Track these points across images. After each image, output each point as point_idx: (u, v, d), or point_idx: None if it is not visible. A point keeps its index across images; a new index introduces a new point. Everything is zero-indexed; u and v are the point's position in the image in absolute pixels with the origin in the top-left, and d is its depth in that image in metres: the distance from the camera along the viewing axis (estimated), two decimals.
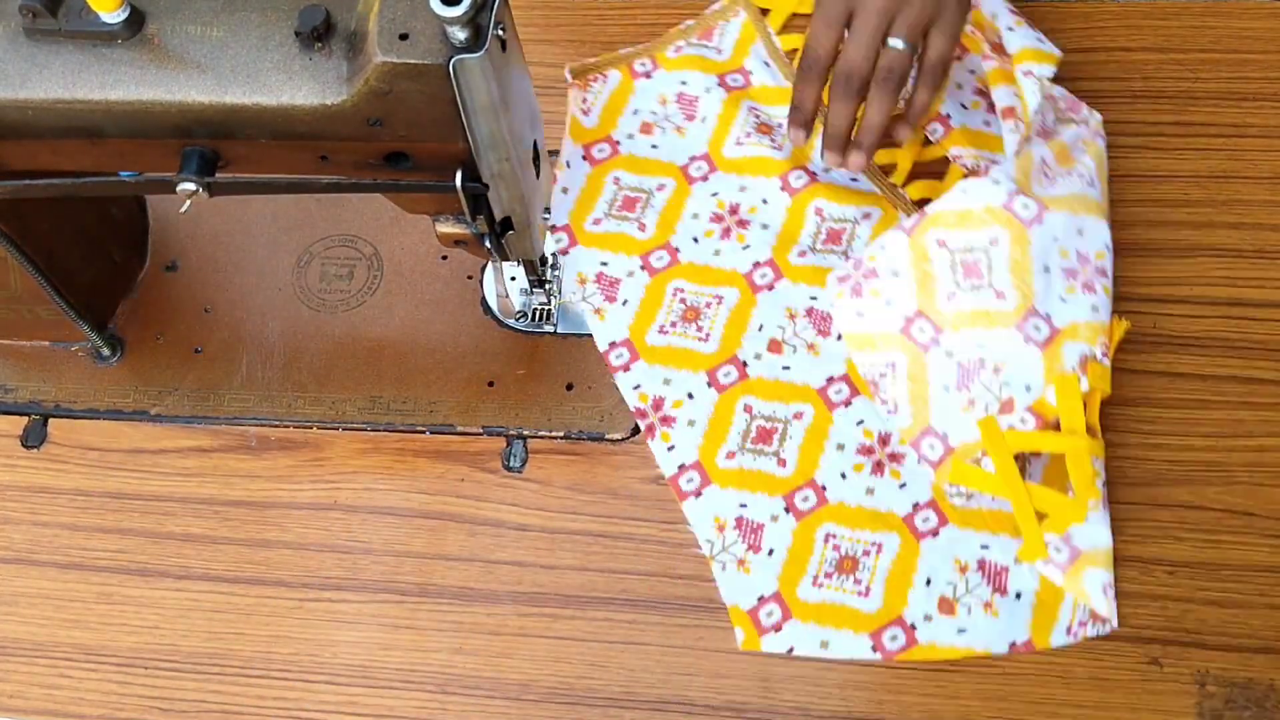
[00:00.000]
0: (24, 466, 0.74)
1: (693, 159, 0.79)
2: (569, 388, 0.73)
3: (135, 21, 0.56)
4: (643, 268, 0.75)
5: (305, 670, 0.67)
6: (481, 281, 0.77)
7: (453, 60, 0.52)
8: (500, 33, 0.53)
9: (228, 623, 0.68)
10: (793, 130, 0.73)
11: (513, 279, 0.76)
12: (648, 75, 0.82)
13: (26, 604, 0.70)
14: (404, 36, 0.52)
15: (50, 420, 0.76)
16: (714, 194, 0.77)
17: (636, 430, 0.71)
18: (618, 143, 0.80)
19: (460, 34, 0.51)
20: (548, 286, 0.74)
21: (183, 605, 0.69)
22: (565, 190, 0.78)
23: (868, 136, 0.71)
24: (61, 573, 0.71)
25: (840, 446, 0.68)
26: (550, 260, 0.74)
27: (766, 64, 0.82)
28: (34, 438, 0.75)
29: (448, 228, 0.64)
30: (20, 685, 0.68)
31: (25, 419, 0.76)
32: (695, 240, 0.75)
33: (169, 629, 0.68)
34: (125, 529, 0.71)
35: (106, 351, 0.77)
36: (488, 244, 0.64)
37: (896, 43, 0.68)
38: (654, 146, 0.80)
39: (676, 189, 0.77)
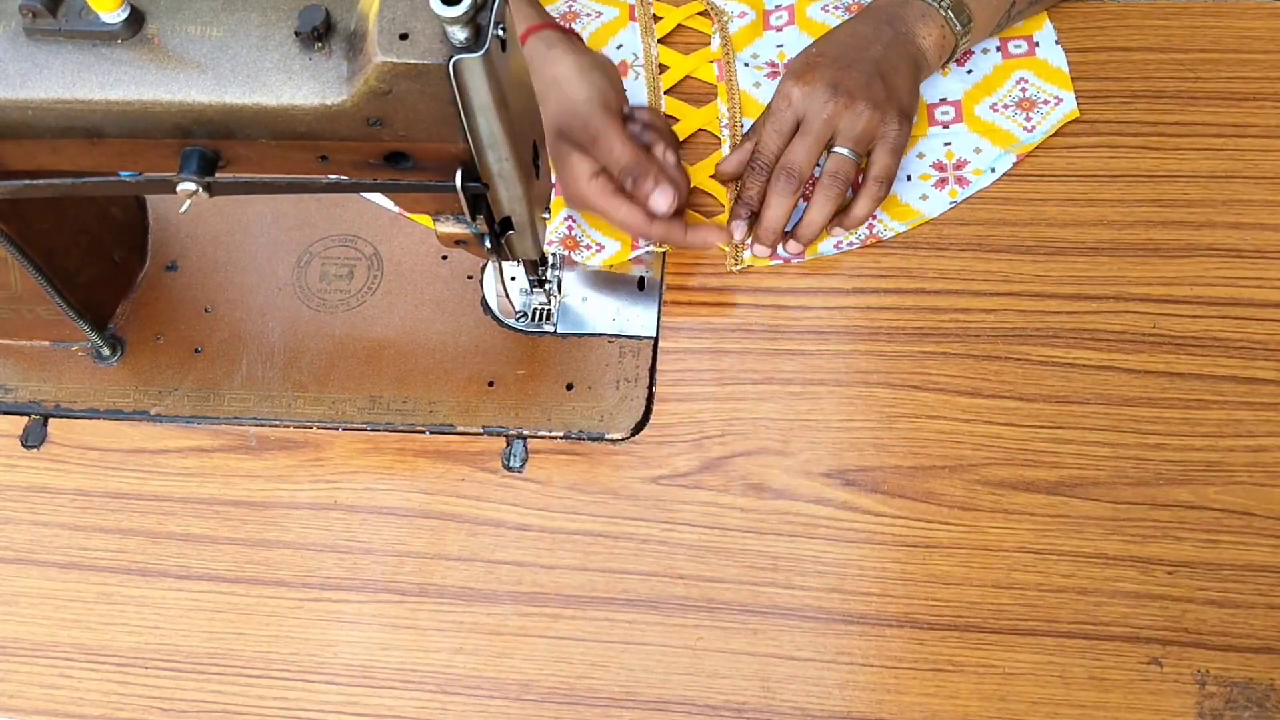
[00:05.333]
0: (24, 466, 0.74)
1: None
2: (569, 388, 0.73)
3: (135, 21, 0.56)
4: None
5: (305, 670, 0.67)
6: (481, 281, 0.77)
7: (453, 60, 0.52)
8: (500, 32, 0.53)
9: (228, 623, 0.68)
10: (735, 222, 0.75)
11: (513, 279, 0.76)
12: None
13: (27, 604, 0.70)
14: (404, 36, 0.52)
15: (50, 420, 0.75)
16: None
17: (637, 430, 0.71)
18: None
19: (460, 34, 0.51)
20: (548, 286, 0.74)
21: (183, 605, 0.69)
22: None
23: (808, 232, 0.74)
24: (61, 573, 0.71)
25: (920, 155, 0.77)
26: (550, 260, 0.74)
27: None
28: (34, 438, 0.75)
29: (448, 228, 0.64)
30: (20, 685, 0.68)
31: (25, 419, 0.76)
32: None
33: (169, 629, 0.68)
34: (125, 529, 0.71)
35: (106, 351, 0.77)
36: (488, 244, 0.64)
37: (843, 150, 0.73)
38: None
39: None
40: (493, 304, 0.76)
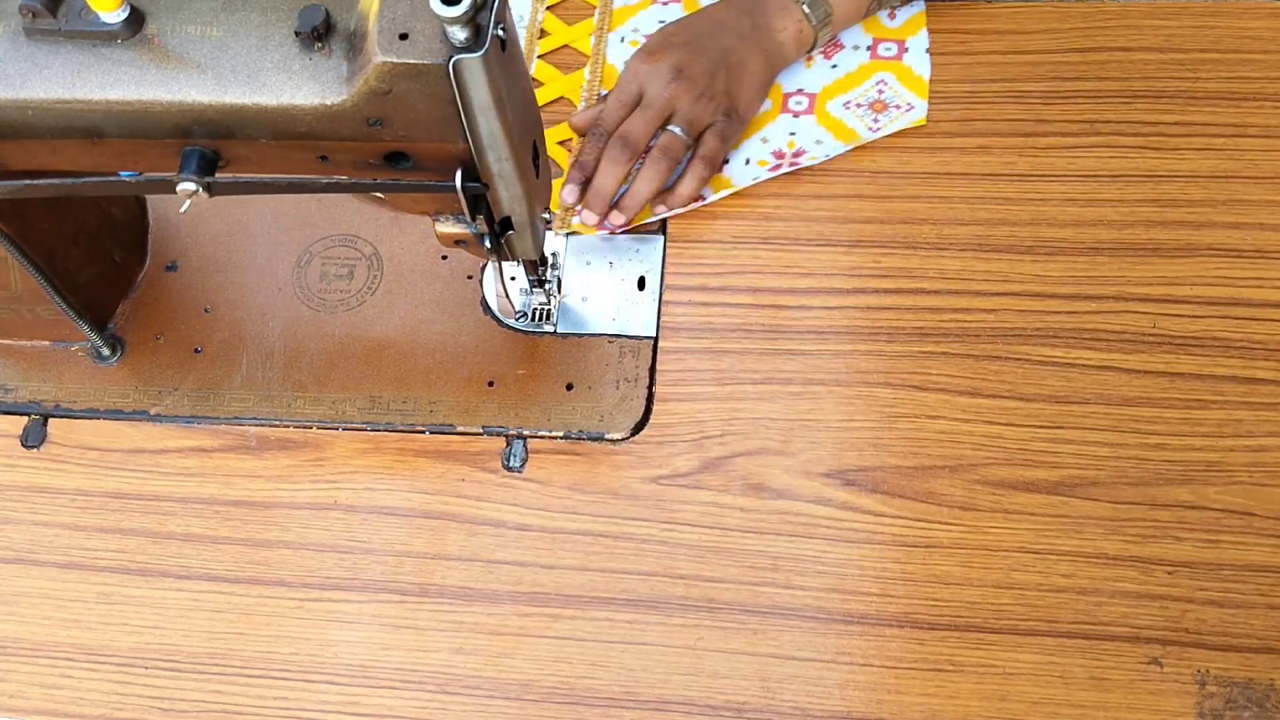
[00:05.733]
0: (24, 466, 0.74)
1: None
2: (569, 388, 0.73)
3: (135, 21, 0.56)
4: None
5: (305, 670, 0.67)
6: (481, 281, 0.77)
7: (452, 60, 0.52)
8: (500, 33, 0.53)
9: (228, 623, 0.68)
10: (568, 185, 0.77)
11: (513, 279, 0.76)
12: None
13: (27, 604, 0.70)
14: (404, 36, 0.52)
15: (50, 420, 0.76)
16: None
17: (637, 430, 0.71)
18: None
19: (460, 34, 0.51)
20: (547, 286, 0.74)
21: (183, 605, 0.69)
22: None
23: (632, 203, 0.76)
24: (61, 573, 0.71)
25: (764, 140, 0.78)
26: (550, 260, 0.74)
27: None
28: (34, 438, 0.75)
29: (448, 228, 0.64)
30: (20, 685, 0.68)
31: (25, 419, 0.76)
32: None
33: (169, 629, 0.68)
34: (125, 529, 0.71)
35: (106, 351, 0.77)
36: (488, 244, 0.64)
37: (675, 129, 0.75)
38: None
39: None
40: (493, 304, 0.76)
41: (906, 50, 0.80)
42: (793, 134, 0.79)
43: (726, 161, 0.78)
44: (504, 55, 0.54)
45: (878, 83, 0.79)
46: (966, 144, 0.78)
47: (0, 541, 0.72)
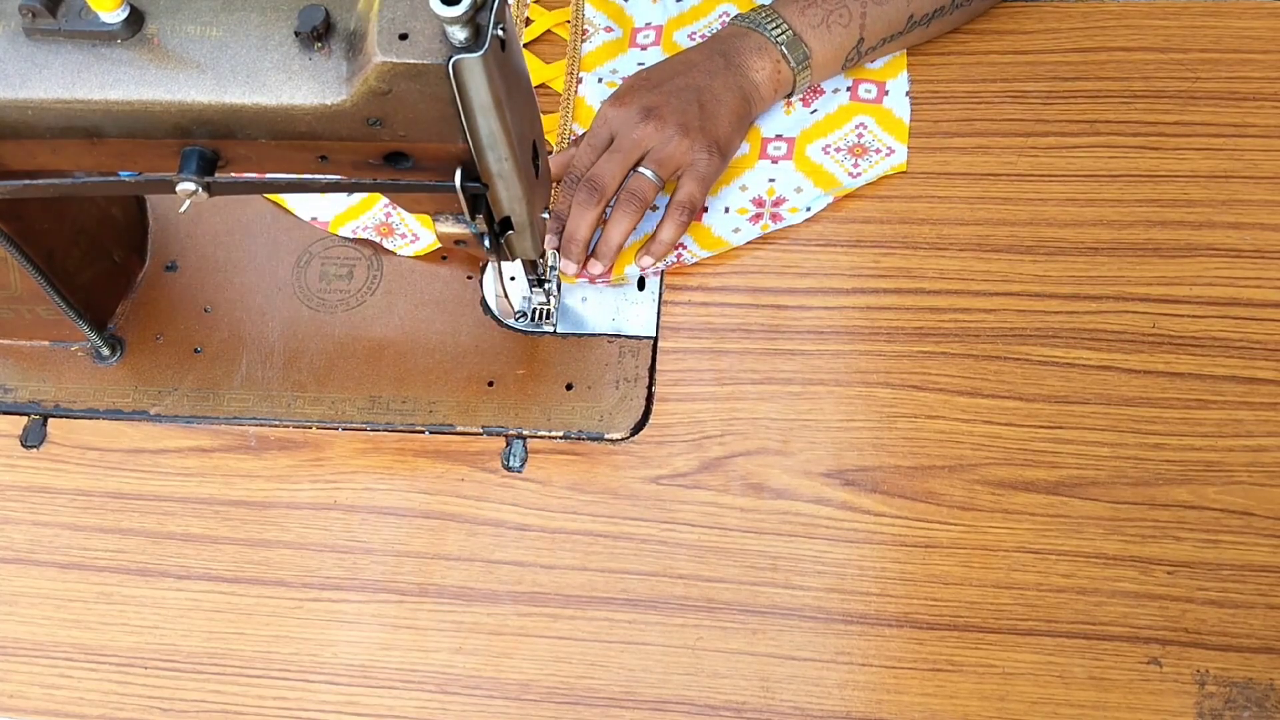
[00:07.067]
0: (24, 466, 0.74)
1: None
2: (569, 388, 0.73)
3: (135, 21, 0.56)
4: None
5: (305, 670, 0.67)
6: (481, 281, 0.77)
7: (452, 60, 0.52)
8: (500, 32, 0.53)
9: (228, 623, 0.68)
10: (548, 236, 0.75)
11: (513, 279, 0.76)
12: None
13: (26, 604, 0.70)
14: (404, 36, 0.52)
15: (50, 420, 0.76)
16: None
17: (636, 430, 0.71)
18: None
19: (460, 34, 0.51)
20: (547, 286, 0.74)
21: (183, 605, 0.69)
22: None
23: (606, 250, 0.74)
24: (61, 573, 0.71)
25: (744, 187, 0.77)
26: (550, 260, 0.74)
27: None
28: (34, 438, 0.75)
29: (448, 228, 0.64)
30: (20, 685, 0.68)
31: (25, 419, 0.76)
32: None
33: (169, 629, 0.68)
34: (125, 529, 0.71)
35: (106, 351, 0.77)
36: (487, 244, 0.64)
37: (646, 171, 0.73)
38: None
39: None
40: (492, 304, 0.76)
41: (887, 93, 0.79)
42: (772, 180, 0.77)
43: (705, 210, 0.77)
44: (504, 55, 0.54)
45: (857, 126, 0.78)
46: (966, 144, 0.78)
47: (0, 541, 0.72)
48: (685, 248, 0.76)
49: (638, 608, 0.66)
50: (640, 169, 0.74)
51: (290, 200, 0.79)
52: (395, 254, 0.78)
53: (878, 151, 0.77)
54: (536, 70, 0.84)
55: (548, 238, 0.74)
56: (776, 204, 0.76)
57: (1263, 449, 0.67)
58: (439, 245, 0.77)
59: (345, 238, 0.78)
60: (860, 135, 0.78)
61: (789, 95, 0.79)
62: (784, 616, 0.65)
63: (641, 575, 0.67)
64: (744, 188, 0.77)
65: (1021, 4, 0.82)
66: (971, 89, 0.80)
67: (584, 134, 0.78)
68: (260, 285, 0.78)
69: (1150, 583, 0.64)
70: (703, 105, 0.74)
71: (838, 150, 0.78)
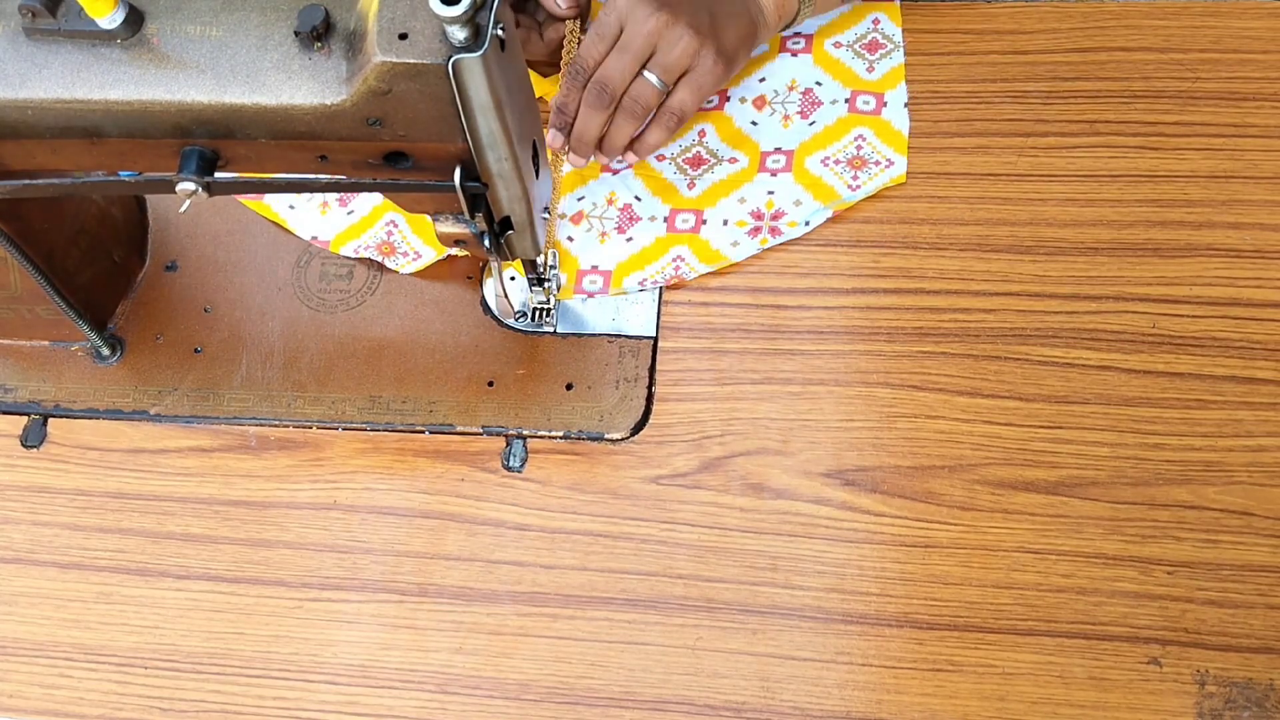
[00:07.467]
0: (24, 466, 0.74)
1: None
2: (569, 387, 0.73)
3: (135, 21, 0.56)
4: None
5: (305, 670, 0.67)
6: (481, 281, 0.77)
7: (452, 60, 0.52)
8: (500, 32, 0.53)
9: (228, 623, 0.68)
10: (553, 132, 0.76)
11: (513, 279, 0.76)
12: None
13: (26, 604, 0.70)
14: (403, 36, 0.52)
15: (50, 420, 0.76)
16: None
17: (636, 430, 0.71)
18: None
19: (460, 33, 0.51)
20: (547, 286, 0.74)
21: (183, 605, 0.69)
22: None
23: (607, 151, 0.75)
24: (61, 573, 0.71)
25: (742, 200, 0.77)
26: (550, 259, 0.74)
27: None
28: (34, 438, 0.75)
29: (448, 227, 0.64)
30: (20, 685, 0.68)
31: (25, 419, 0.76)
32: None
33: (169, 629, 0.68)
34: (125, 529, 0.71)
35: (106, 351, 0.77)
36: (487, 244, 0.64)
37: (651, 77, 0.73)
38: None
39: None
40: (492, 304, 0.76)
41: (885, 105, 0.79)
42: (771, 193, 0.77)
43: (704, 222, 0.76)
44: (503, 55, 0.54)
45: (856, 137, 0.78)
46: (966, 144, 0.78)
47: (0, 541, 0.72)
48: (684, 261, 0.75)
49: (637, 608, 0.66)
50: (646, 73, 0.73)
51: (290, 219, 0.79)
52: (398, 272, 0.77)
53: (877, 163, 0.77)
54: (535, 84, 0.83)
55: (553, 133, 0.76)
56: (775, 217, 0.76)
57: (1263, 449, 0.67)
58: (441, 258, 0.77)
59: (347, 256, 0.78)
60: (859, 147, 0.78)
61: (789, 26, 0.78)
62: (784, 616, 0.65)
63: (641, 575, 0.67)
64: (743, 200, 0.77)
65: (1021, 4, 0.82)
66: (971, 89, 0.80)
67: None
68: (260, 285, 0.78)
69: (1150, 583, 0.64)
70: (714, 14, 0.73)
71: (837, 162, 0.77)
